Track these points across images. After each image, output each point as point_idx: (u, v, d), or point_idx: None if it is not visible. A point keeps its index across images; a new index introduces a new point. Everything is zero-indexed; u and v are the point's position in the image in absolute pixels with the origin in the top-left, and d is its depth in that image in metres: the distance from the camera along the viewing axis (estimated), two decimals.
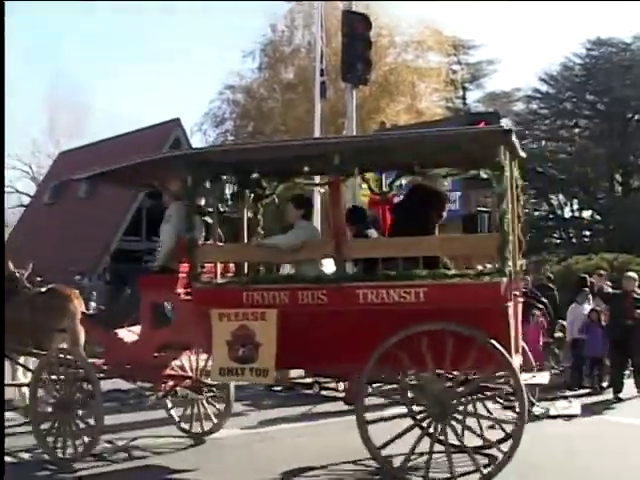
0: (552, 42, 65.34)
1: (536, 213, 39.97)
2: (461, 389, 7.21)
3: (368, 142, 8.08)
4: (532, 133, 39.69)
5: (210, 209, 8.63)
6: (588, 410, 11.63)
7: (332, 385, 11.11)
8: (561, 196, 39.94)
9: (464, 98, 41.80)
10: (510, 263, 7.08)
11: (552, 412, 8.31)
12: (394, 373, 7.25)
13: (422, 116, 27.92)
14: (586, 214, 40.17)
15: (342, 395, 8.98)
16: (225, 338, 7.46)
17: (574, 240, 38.31)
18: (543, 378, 8.24)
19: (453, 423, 7.11)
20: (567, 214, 40.36)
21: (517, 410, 7.20)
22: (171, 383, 8.82)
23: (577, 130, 39.82)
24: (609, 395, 12.71)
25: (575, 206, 40.47)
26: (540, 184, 38.70)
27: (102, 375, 8.51)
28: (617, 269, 16.25)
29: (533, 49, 69.89)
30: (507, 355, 6.83)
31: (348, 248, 7.43)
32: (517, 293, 7.84)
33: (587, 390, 13.29)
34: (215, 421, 9.27)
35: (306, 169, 8.13)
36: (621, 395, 12.54)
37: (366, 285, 7.21)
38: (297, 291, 7.42)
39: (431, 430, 7.11)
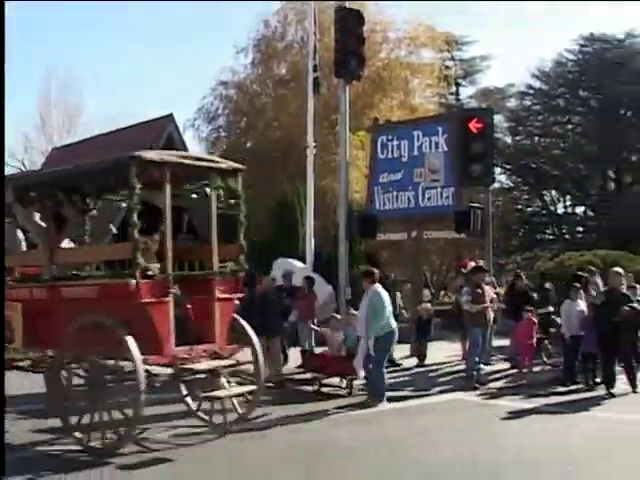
0: (545, 38, 65.29)
1: (529, 209, 40.04)
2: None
3: (55, 174, 10.23)
4: (525, 129, 39.61)
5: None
6: (577, 406, 11.67)
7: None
8: (554, 192, 39.92)
9: (457, 94, 41.65)
10: (154, 266, 8.76)
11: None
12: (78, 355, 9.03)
13: (415, 112, 27.70)
14: (579, 210, 40.17)
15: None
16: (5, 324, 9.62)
17: (567, 236, 38.27)
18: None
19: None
20: (560, 210, 40.32)
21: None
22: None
23: (570, 126, 39.76)
24: (602, 391, 12.73)
25: (568, 202, 40.47)
26: (533, 180, 38.81)
27: None
28: (610, 265, 16.15)
29: (526, 45, 69.93)
30: (130, 345, 8.24)
31: (58, 255, 9.62)
32: (215, 291, 9.41)
33: (580, 386, 13.32)
34: None
35: (48, 192, 9.90)
36: (614, 391, 12.57)
37: (63, 284, 9.34)
38: (32, 289, 9.76)
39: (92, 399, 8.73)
